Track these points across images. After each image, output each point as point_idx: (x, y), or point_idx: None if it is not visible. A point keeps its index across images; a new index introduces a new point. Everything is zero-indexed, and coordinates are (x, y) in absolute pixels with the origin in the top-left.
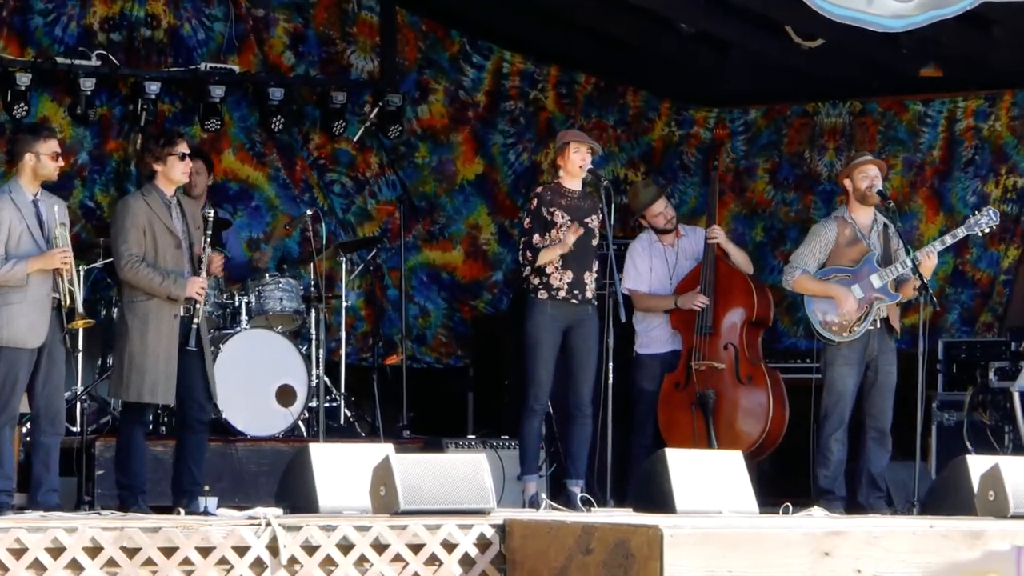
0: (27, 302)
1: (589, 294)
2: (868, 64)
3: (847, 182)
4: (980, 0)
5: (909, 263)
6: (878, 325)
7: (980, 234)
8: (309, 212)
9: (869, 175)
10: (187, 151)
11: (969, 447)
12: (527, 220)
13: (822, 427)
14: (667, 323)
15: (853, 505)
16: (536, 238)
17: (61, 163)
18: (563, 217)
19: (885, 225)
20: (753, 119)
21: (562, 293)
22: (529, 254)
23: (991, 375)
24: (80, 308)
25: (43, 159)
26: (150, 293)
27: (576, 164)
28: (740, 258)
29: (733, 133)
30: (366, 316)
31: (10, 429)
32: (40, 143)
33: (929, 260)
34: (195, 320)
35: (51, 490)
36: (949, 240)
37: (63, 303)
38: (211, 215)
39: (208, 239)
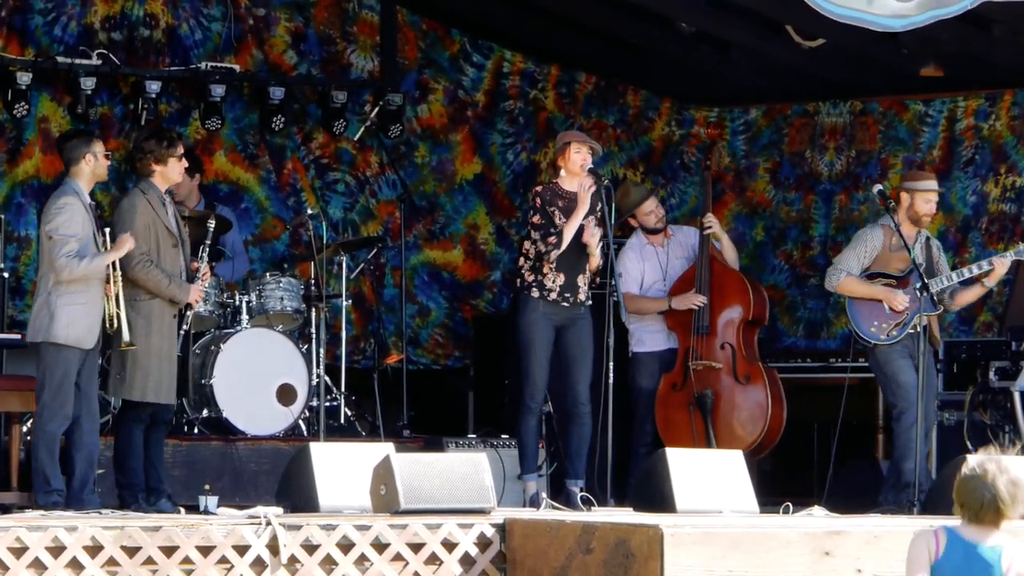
0: (89, 303)
1: (582, 296)
2: (868, 64)
3: (905, 196)
4: (980, 0)
5: (955, 277)
6: (918, 330)
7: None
8: (309, 211)
9: (931, 201)
10: (183, 152)
11: (969, 447)
12: (536, 216)
13: (899, 422)
14: (662, 321)
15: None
16: (551, 234)
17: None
18: (560, 219)
19: (928, 239)
20: (754, 118)
21: (553, 295)
22: (553, 239)
23: (991, 375)
24: (127, 336)
25: (100, 159)
26: (155, 293)
27: (577, 164)
28: (730, 252)
29: (733, 132)
30: (355, 320)
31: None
32: (95, 145)
33: (1001, 266)
34: (184, 326)
35: (94, 490)
36: (996, 261)
37: (108, 325)
38: (212, 225)
39: (207, 249)
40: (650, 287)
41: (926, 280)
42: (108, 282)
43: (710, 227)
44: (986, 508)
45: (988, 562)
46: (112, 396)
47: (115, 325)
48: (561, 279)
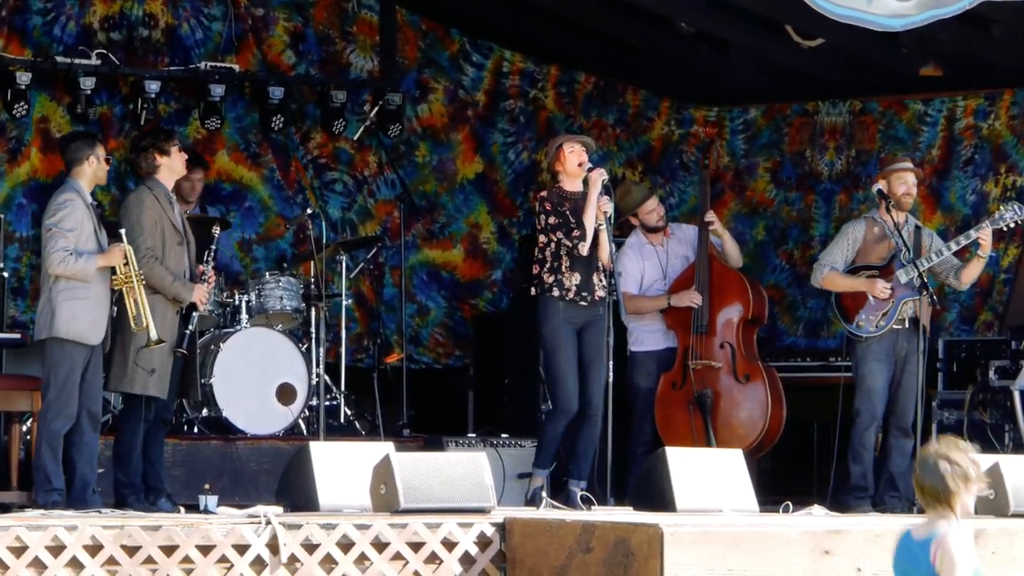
0: (92, 298)
1: (600, 294)
2: (868, 63)
3: (883, 183)
4: (980, 0)
5: (935, 257)
6: (906, 324)
7: (1005, 228)
8: (309, 211)
9: (907, 182)
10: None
11: None
12: (552, 218)
13: (855, 424)
14: (660, 320)
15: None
16: (574, 228)
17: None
18: (572, 218)
19: (917, 227)
20: (753, 118)
21: (571, 294)
22: (577, 231)
23: (991, 374)
24: (154, 334)
25: (102, 162)
26: (158, 290)
27: (574, 163)
28: (733, 249)
29: (733, 132)
30: (359, 318)
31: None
32: (98, 148)
33: (985, 236)
34: (190, 326)
35: (95, 490)
36: (974, 234)
37: (135, 324)
38: (218, 231)
39: (213, 253)
40: (650, 286)
41: (911, 258)
42: (131, 284)
43: (711, 222)
44: (934, 490)
45: (917, 557)
46: (109, 390)
47: (143, 324)
48: (577, 278)
